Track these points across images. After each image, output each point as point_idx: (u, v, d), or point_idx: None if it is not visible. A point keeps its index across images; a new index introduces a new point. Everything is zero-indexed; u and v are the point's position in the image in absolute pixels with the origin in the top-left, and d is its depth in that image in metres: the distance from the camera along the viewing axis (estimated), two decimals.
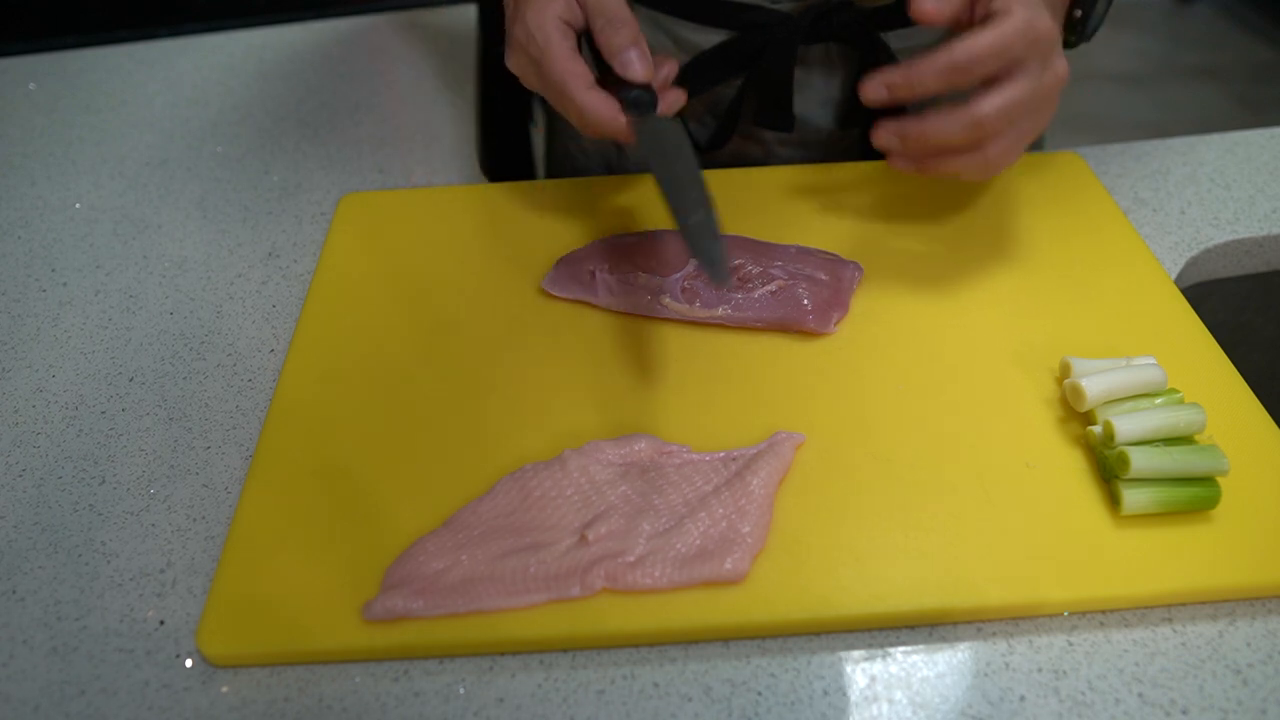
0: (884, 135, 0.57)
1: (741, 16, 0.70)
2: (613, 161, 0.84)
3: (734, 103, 0.73)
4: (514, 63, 0.59)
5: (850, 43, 0.71)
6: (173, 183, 0.77)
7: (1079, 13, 0.62)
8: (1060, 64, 0.55)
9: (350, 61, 0.92)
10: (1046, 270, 0.62)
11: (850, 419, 0.53)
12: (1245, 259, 0.69)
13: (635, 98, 0.56)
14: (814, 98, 0.75)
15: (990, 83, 0.54)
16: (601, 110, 0.55)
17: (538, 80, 0.58)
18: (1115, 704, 0.42)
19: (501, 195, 0.71)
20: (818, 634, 0.45)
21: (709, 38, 0.72)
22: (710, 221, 0.52)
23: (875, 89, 0.55)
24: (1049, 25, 0.54)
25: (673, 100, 0.59)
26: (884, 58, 0.70)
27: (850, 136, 0.77)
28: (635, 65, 0.55)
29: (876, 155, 0.76)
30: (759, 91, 0.72)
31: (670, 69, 0.61)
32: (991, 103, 0.53)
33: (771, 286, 0.59)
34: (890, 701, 0.42)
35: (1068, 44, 0.63)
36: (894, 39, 0.71)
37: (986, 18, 0.54)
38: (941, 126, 0.55)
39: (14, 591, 0.48)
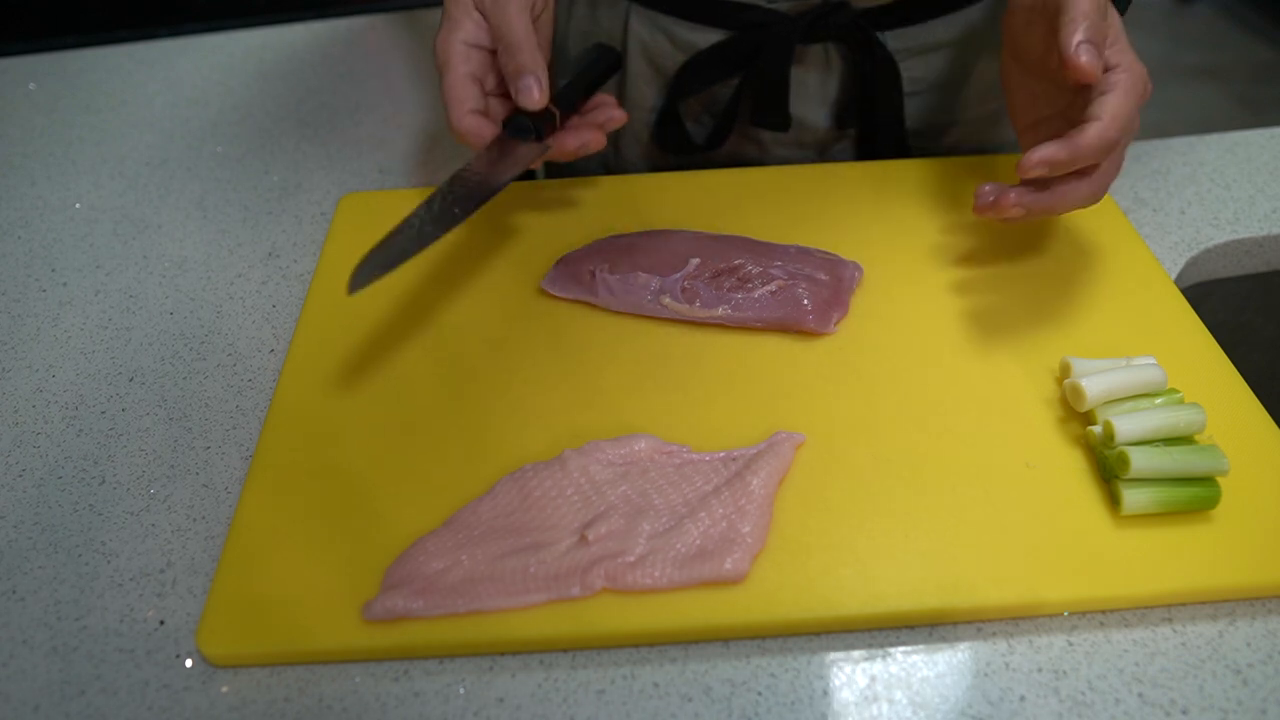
0: (1018, 209, 0.55)
1: (738, 16, 0.70)
2: (611, 162, 0.84)
3: (731, 102, 0.73)
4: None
5: (847, 43, 0.71)
6: (173, 183, 0.77)
7: None
8: (1143, 68, 0.54)
9: (350, 61, 0.92)
10: (1046, 270, 0.62)
11: (850, 419, 0.53)
12: (1245, 259, 0.69)
13: (516, 122, 0.59)
14: (811, 97, 0.75)
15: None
16: (472, 137, 0.58)
17: None
18: (1115, 704, 0.42)
19: (501, 195, 0.71)
20: (818, 634, 0.45)
21: (706, 37, 0.72)
22: (399, 252, 0.53)
23: (1036, 168, 0.53)
24: (1145, 70, 0.54)
25: (588, 139, 0.61)
26: (881, 58, 0.70)
27: (847, 136, 0.77)
28: (528, 92, 0.58)
29: (872, 155, 0.76)
30: (755, 91, 0.72)
31: (615, 116, 0.63)
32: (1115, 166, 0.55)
33: (771, 286, 0.59)
34: (890, 701, 0.42)
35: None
36: (891, 39, 0.71)
37: (1109, 74, 0.53)
38: (1080, 195, 0.55)
39: (14, 591, 0.48)
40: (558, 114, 0.61)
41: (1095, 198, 0.56)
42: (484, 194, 0.58)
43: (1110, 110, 0.52)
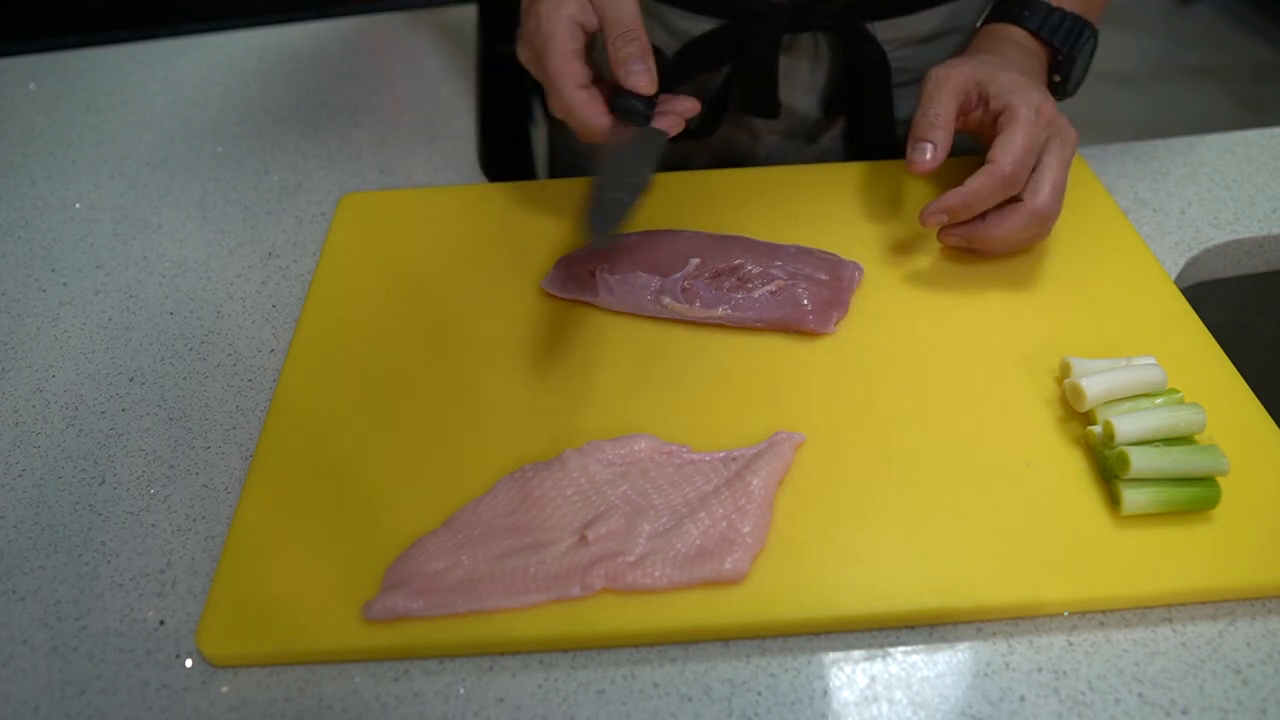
0: (953, 239, 0.62)
1: (731, 5, 0.70)
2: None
3: (722, 89, 0.74)
4: (522, 53, 0.61)
5: (836, 32, 0.71)
6: (173, 183, 0.77)
7: (1057, 78, 0.66)
8: (1071, 130, 0.59)
9: (350, 61, 0.92)
10: (1046, 270, 0.62)
11: (850, 419, 0.53)
12: (1245, 259, 0.69)
13: (629, 105, 0.58)
14: (801, 86, 0.75)
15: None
16: (586, 108, 0.57)
17: (538, 72, 0.60)
18: (1115, 704, 0.42)
19: (501, 195, 0.71)
20: (818, 634, 0.45)
21: (700, 25, 0.72)
22: (621, 202, 0.53)
23: (936, 218, 0.60)
24: (1049, 103, 0.59)
25: (671, 124, 0.61)
26: (870, 48, 0.71)
27: (836, 125, 0.78)
28: (639, 76, 0.57)
29: (862, 144, 0.76)
30: (744, 79, 0.72)
31: (690, 106, 0.63)
32: (1044, 192, 0.58)
33: (771, 286, 0.59)
34: (890, 701, 0.42)
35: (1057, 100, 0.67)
36: (880, 29, 0.72)
37: (998, 118, 0.59)
38: (1011, 227, 0.59)
39: (14, 591, 0.48)
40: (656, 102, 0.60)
41: (1034, 227, 0.59)
42: (657, 144, 0.59)
43: (998, 151, 0.57)
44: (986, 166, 0.57)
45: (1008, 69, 0.61)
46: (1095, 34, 0.66)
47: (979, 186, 0.57)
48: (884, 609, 0.44)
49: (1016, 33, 0.66)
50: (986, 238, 0.60)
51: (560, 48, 0.57)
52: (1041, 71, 0.66)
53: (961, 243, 0.62)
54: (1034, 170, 0.58)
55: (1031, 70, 0.64)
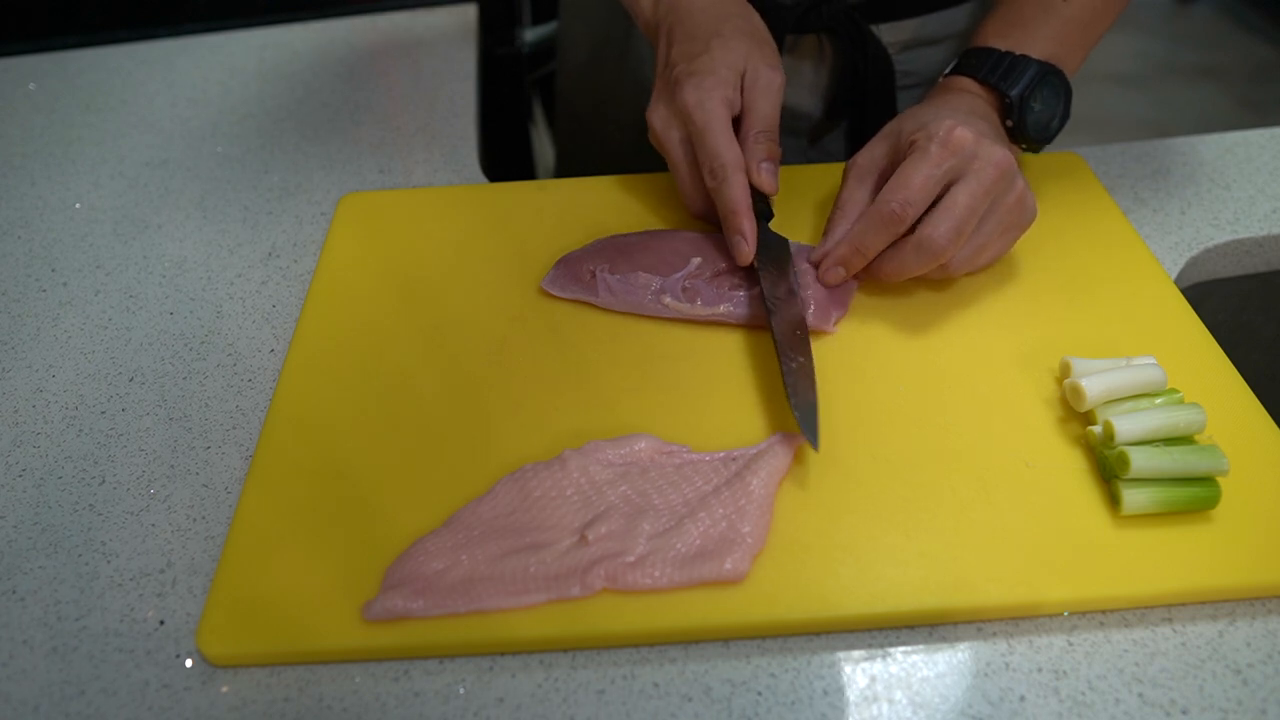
0: (837, 275, 0.58)
1: None
2: (616, 147, 0.84)
3: None
4: (659, 119, 0.61)
5: (840, 34, 0.71)
6: (173, 183, 0.77)
7: (1010, 123, 0.62)
8: (995, 153, 0.54)
9: (350, 61, 0.92)
10: (1046, 270, 0.62)
11: (850, 419, 0.53)
12: (1245, 259, 0.69)
13: (757, 208, 0.59)
14: (804, 86, 0.75)
15: (935, 202, 0.55)
16: (741, 199, 0.57)
17: (680, 147, 0.60)
18: (1115, 704, 0.42)
19: (501, 195, 0.71)
20: (818, 634, 0.45)
21: None
22: (814, 400, 0.52)
23: (834, 274, 0.57)
24: (965, 131, 0.54)
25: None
26: (874, 50, 0.71)
27: (838, 126, 0.78)
28: (769, 175, 0.59)
29: (863, 144, 0.77)
30: None
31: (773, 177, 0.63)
32: (937, 226, 0.54)
33: None
34: (890, 701, 0.42)
35: (1032, 150, 0.64)
36: (884, 32, 0.72)
37: (907, 150, 0.56)
38: (898, 263, 0.56)
39: (14, 591, 0.48)
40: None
41: (923, 262, 0.55)
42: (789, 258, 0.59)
43: (886, 188, 0.54)
44: (871, 206, 0.55)
45: (938, 110, 0.58)
46: (1060, 76, 0.62)
47: (863, 230, 0.55)
48: (884, 609, 0.44)
49: (965, 81, 0.63)
50: (878, 270, 0.57)
51: (722, 129, 0.57)
52: (992, 115, 0.62)
53: (860, 275, 0.59)
54: (937, 201, 0.54)
55: (977, 112, 0.61)
